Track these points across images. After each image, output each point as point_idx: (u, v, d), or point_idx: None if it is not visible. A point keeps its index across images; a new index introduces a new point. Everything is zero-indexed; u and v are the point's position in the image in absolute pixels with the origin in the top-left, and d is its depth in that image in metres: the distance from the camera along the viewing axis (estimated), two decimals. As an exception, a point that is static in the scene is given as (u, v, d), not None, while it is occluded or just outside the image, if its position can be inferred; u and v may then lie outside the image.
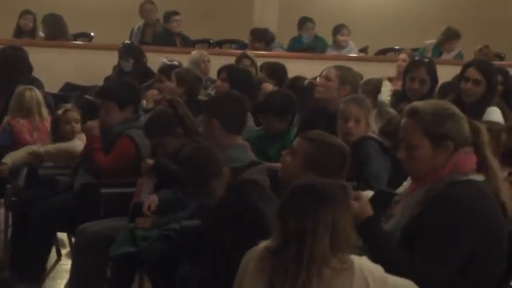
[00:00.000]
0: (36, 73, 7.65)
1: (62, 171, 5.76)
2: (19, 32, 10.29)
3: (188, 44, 10.61)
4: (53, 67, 9.22)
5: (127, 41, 9.62)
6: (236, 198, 3.90)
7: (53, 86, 8.59)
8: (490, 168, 3.21)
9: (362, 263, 2.76)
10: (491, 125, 4.60)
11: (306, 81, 6.69)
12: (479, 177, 3.16)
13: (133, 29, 10.75)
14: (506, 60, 11.39)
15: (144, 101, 6.90)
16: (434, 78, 6.07)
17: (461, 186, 3.10)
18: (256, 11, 11.88)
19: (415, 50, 10.33)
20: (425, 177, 3.18)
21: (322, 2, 13.38)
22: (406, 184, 3.58)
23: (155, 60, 8.48)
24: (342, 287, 2.70)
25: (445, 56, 10.64)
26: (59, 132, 6.13)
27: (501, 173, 3.34)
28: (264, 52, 9.95)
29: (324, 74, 5.69)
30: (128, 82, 5.80)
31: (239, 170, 4.13)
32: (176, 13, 10.55)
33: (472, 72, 5.73)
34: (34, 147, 6.18)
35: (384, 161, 4.72)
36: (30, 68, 7.55)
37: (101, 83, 8.06)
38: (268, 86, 6.94)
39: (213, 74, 8.11)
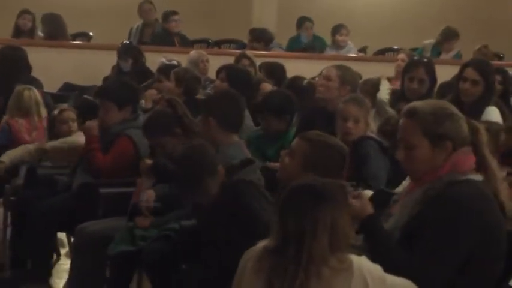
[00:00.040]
0: (35, 73, 7.65)
1: (60, 170, 5.77)
2: (18, 31, 10.28)
3: (187, 43, 10.61)
4: (52, 67, 9.22)
5: (126, 41, 9.62)
6: (231, 198, 3.90)
7: (52, 86, 8.59)
8: (488, 168, 3.22)
9: (361, 262, 2.77)
10: (490, 125, 4.61)
11: (305, 81, 6.69)
12: (478, 177, 3.17)
13: (132, 29, 10.75)
14: (505, 60, 11.40)
15: (143, 101, 6.90)
16: (433, 78, 6.07)
17: (460, 186, 3.10)
18: (255, 10, 11.89)
19: (413, 50, 10.33)
20: (424, 177, 3.19)
21: (321, 2, 13.38)
22: (405, 183, 3.58)
23: (154, 60, 8.48)
24: (340, 286, 2.71)
25: (443, 56, 10.64)
26: (56, 132, 6.13)
27: (500, 173, 3.34)
28: (262, 52, 9.95)
29: (324, 73, 5.69)
30: (126, 82, 5.80)
31: (233, 169, 4.12)
32: (175, 13, 10.55)
33: (470, 73, 5.74)
34: (31, 146, 6.19)
35: (383, 161, 4.72)
36: (29, 68, 7.55)
37: (99, 83, 8.06)
38: (267, 86, 6.94)
39: (211, 73, 8.11)
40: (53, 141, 6.18)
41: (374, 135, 4.92)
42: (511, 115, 6.13)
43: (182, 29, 10.69)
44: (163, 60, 8.01)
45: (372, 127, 5.03)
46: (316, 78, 5.89)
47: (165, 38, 10.42)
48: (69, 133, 6.11)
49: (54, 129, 6.15)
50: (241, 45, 10.78)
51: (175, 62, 7.72)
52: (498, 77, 6.46)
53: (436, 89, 6.33)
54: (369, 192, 4.06)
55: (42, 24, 10.23)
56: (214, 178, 3.99)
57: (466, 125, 3.22)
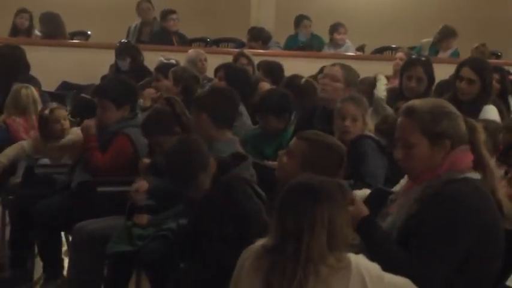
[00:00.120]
0: (33, 72, 7.65)
1: (59, 169, 5.77)
2: (15, 30, 10.28)
3: (185, 42, 10.62)
4: (50, 66, 9.21)
5: (124, 40, 9.62)
6: (224, 195, 3.91)
7: (50, 85, 8.59)
8: (486, 167, 3.22)
9: (359, 261, 2.77)
10: (488, 124, 4.62)
11: (303, 80, 6.69)
12: (476, 175, 3.17)
13: (130, 28, 10.75)
14: (502, 58, 11.42)
15: (141, 100, 6.90)
16: (431, 77, 6.07)
17: (458, 184, 3.10)
18: (253, 9, 11.90)
19: (412, 48, 10.36)
20: (422, 176, 3.19)
21: (319, 0, 13.39)
22: (403, 182, 3.59)
23: (152, 58, 8.48)
24: (338, 285, 2.71)
25: (441, 55, 10.65)
26: (50, 131, 6.11)
27: (498, 172, 3.35)
28: (260, 51, 9.96)
29: (329, 73, 5.63)
30: (124, 81, 5.80)
31: (225, 164, 4.11)
32: (173, 12, 10.55)
33: (466, 72, 5.74)
34: (25, 143, 6.19)
35: (380, 160, 4.73)
36: (27, 67, 7.55)
37: (97, 81, 8.04)
38: (265, 85, 6.94)
39: (209, 72, 8.12)
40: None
41: (372, 134, 4.93)
42: (509, 113, 6.15)
43: (180, 28, 10.69)
44: (162, 59, 8.01)
45: (370, 126, 5.04)
46: (320, 76, 5.83)
47: (163, 36, 10.42)
48: (62, 131, 6.10)
49: (49, 128, 6.11)
50: (239, 44, 10.78)
51: (173, 61, 7.72)
52: (496, 76, 6.47)
53: (434, 88, 6.34)
54: (366, 191, 4.08)
55: (40, 23, 10.22)
56: (207, 171, 4.00)
57: (463, 123, 3.22)
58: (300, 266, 2.69)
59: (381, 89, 6.43)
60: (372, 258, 2.85)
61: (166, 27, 10.51)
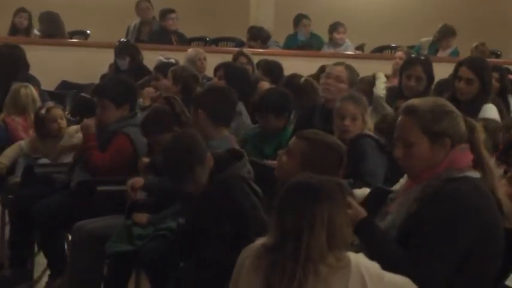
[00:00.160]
0: (32, 71, 7.65)
1: (58, 168, 5.77)
2: (14, 30, 10.28)
3: (184, 41, 10.62)
4: (49, 65, 9.21)
5: (123, 39, 9.61)
6: (221, 192, 3.91)
7: (49, 84, 8.60)
8: (486, 166, 3.22)
9: (358, 260, 2.77)
10: (488, 123, 4.62)
11: (302, 79, 6.69)
12: (475, 174, 3.17)
13: (130, 27, 10.75)
14: (502, 57, 11.42)
15: (141, 99, 6.90)
16: (430, 76, 6.07)
17: (457, 183, 3.10)
18: (252, 8, 11.90)
19: (411, 47, 10.36)
20: (422, 175, 3.19)
21: (318, 0, 13.39)
22: (403, 181, 3.58)
23: (151, 58, 8.49)
24: (338, 284, 2.71)
25: (441, 54, 10.66)
26: (46, 130, 6.11)
27: (497, 171, 3.35)
28: (260, 50, 9.97)
29: (333, 73, 5.61)
30: (124, 80, 5.79)
31: (222, 160, 4.11)
32: (172, 11, 10.55)
33: (464, 71, 5.73)
34: (22, 143, 6.19)
35: (380, 159, 4.73)
36: (27, 66, 7.56)
37: (97, 81, 8.04)
38: (265, 84, 6.94)
39: (209, 71, 8.12)
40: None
41: (371, 133, 4.93)
42: (509, 113, 6.15)
43: (179, 27, 10.70)
44: (161, 58, 8.01)
45: (370, 125, 5.04)
46: (323, 76, 5.81)
47: (163, 36, 10.42)
48: (59, 131, 6.10)
49: (46, 128, 6.11)
50: (238, 43, 10.79)
51: (172, 60, 7.72)
52: (495, 75, 6.47)
53: (433, 87, 6.34)
54: (366, 190, 4.08)
55: (39, 22, 10.23)
56: (204, 166, 4.00)
57: (463, 122, 3.23)
58: (299, 265, 2.69)
59: (380, 87, 6.43)
60: (371, 258, 2.85)
61: (165, 26, 10.51)
